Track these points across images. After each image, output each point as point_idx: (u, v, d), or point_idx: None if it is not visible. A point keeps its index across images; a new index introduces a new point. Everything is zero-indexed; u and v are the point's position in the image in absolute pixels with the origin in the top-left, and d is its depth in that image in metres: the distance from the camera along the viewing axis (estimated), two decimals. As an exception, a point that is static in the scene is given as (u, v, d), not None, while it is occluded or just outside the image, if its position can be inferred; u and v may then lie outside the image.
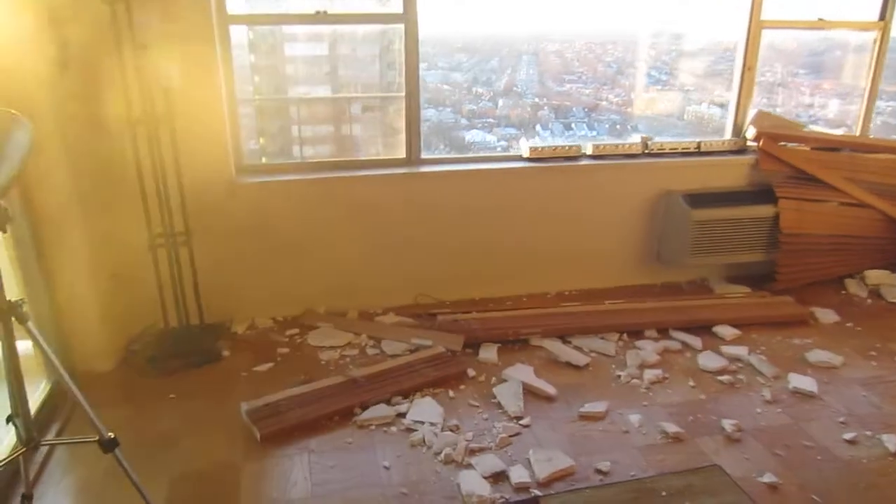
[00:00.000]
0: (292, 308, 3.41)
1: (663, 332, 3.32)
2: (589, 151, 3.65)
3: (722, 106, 4.06)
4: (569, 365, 3.00)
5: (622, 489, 2.22)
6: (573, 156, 3.61)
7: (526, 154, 3.56)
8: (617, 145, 3.67)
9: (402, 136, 3.43)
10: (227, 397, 2.74)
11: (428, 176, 3.40)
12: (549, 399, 2.73)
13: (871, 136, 4.10)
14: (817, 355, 3.12)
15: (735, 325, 3.38)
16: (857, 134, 4.17)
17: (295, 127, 3.69)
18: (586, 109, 4.17)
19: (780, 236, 3.78)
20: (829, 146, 3.96)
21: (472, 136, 4.05)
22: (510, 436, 2.49)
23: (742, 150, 3.92)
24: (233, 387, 2.83)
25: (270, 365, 3.01)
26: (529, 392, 2.76)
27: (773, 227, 3.78)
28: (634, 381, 2.88)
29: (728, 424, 2.57)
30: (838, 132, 4.10)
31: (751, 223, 3.74)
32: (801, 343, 3.27)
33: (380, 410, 2.60)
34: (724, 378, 2.91)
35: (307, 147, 3.73)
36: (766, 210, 3.75)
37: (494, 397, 2.73)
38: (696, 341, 3.22)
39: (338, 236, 3.34)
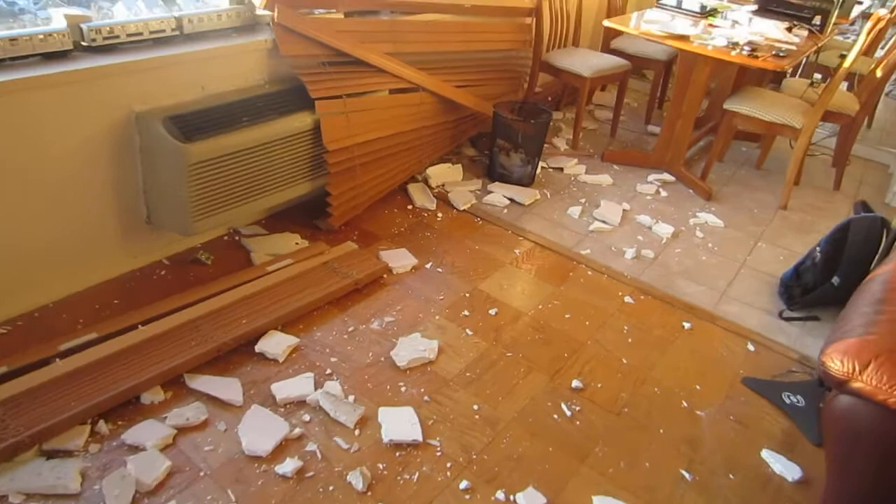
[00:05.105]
0: None
1: (175, 385, 1.91)
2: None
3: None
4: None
5: None
6: None
7: None
8: (13, 40, 1.80)
9: None
10: None
11: None
12: None
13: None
14: (404, 349, 2.16)
15: (290, 325, 2.19)
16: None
17: None
18: None
19: (327, 155, 2.59)
20: (367, 9, 2.81)
21: None
22: None
23: (252, 28, 2.46)
24: None
25: None
26: None
27: (316, 142, 2.55)
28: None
29: None
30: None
31: (283, 145, 2.43)
32: (382, 327, 2.26)
33: None
34: (287, 468, 1.70)
35: None
36: (301, 120, 2.46)
37: None
38: (230, 392, 1.91)
39: None
